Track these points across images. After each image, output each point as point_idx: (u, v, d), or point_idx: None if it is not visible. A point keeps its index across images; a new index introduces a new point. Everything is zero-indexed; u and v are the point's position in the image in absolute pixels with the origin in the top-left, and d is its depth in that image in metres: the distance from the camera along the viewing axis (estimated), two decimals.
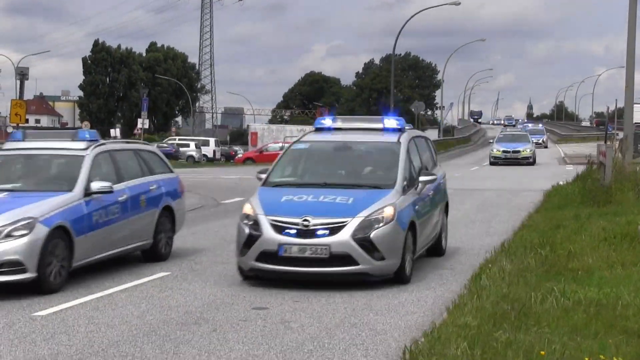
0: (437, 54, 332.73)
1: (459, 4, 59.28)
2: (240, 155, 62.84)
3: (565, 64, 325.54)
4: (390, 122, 11.69)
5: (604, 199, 17.52)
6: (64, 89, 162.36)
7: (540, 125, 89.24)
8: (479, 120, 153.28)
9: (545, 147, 67.17)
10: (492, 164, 43.90)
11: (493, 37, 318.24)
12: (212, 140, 70.36)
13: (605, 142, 39.11)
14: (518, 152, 43.75)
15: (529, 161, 43.31)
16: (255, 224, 10.07)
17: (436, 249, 12.41)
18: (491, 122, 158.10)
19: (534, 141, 50.33)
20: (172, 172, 13.24)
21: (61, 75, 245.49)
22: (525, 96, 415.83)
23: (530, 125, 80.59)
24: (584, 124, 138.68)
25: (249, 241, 10.06)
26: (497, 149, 44.63)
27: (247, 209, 10.30)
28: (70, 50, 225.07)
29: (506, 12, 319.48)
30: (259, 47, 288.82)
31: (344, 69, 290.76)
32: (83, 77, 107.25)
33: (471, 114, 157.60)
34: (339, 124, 11.95)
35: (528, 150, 43.89)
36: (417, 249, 10.91)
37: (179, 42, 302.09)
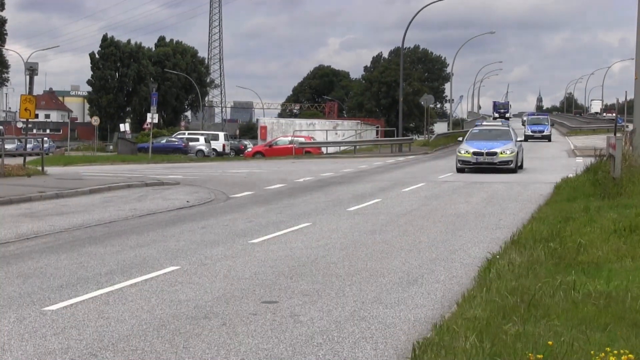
0: (451, 47, 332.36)
1: None
2: (249, 149, 62.90)
3: (580, 56, 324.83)
4: None
5: (614, 191, 17.48)
6: (74, 83, 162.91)
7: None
8: (507, 116, 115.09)
9: (549, 140, 65.33)
10: (459, 170, 32.49)
11: (508, 29, 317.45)
12: (221, 135, 70.45)
13: (615, 134, 38.92)
14: (494, 154, 31.75)
15: (510, 167, 31.67)
16: None
17: None
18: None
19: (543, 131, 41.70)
20: None
21: (73, 70, 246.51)
22: (538, 89, 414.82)
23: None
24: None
25: None
26: (467, 151, 32.41)
27: None
28: (83, 44, 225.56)
29: (522, 3, 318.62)
30: (272, 41, 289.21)
31: (359, 62, 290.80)
32: (91, 72, 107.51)
33: (495, 106, 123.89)
34: None
35: (508, 152, 31.84)
36: None
37: (192, 36, 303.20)
